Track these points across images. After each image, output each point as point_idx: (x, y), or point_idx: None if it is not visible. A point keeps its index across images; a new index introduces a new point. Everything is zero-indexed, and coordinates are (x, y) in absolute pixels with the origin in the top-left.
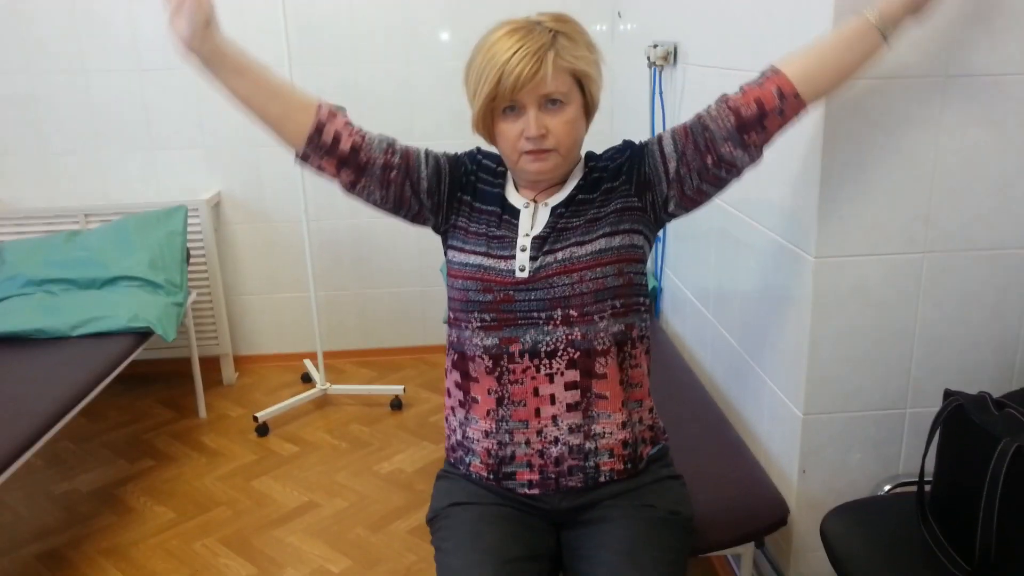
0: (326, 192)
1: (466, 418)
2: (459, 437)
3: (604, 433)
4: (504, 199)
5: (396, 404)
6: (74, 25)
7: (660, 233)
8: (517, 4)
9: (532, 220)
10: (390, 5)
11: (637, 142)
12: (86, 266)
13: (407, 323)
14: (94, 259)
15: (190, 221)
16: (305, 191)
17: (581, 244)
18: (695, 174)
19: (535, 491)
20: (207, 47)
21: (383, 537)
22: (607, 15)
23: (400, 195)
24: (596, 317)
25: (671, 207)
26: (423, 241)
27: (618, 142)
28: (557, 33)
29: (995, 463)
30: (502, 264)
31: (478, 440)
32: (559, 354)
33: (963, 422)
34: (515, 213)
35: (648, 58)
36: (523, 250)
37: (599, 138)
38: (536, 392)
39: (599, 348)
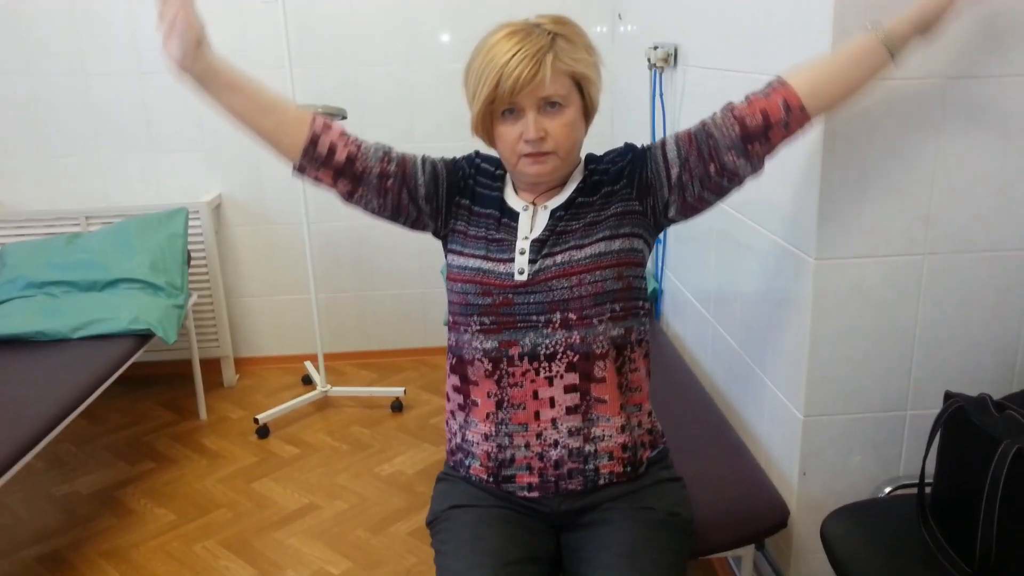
0: (326, 194)
1: (466, 421)
2: (459, 440)
3: (603, 436)
4: (503, 202)
5: (397, 406)
6: (74, 27)
7: (660, 235)
8: (517, 6)
9: (531, 223)
10: (390, 6)
11: (639, 145)
12: (87, 268)
13: (408, 325)
14: (95, 261)
15: (191, 223)
16: (306, 193)
17: (580, 247)
18: (697, 181)
19: (535, 494)
20: (200, 66)
21: (383, 539)
22: (607, 17)
23: (398, 203)
24: (595, 320)
25: (671, 212)
26: (423, 243)
27: (618, 144)
28: (556, 35)
29: (995, 465)
30: (501, 267)
31: (478, 443)
32: (558, 357)
33: (964, 424)
34: (514, 216)
35: (648, 60)
36: (522, 253)
37: (599, 140)
38: (535, 395)
39: (598, 352)
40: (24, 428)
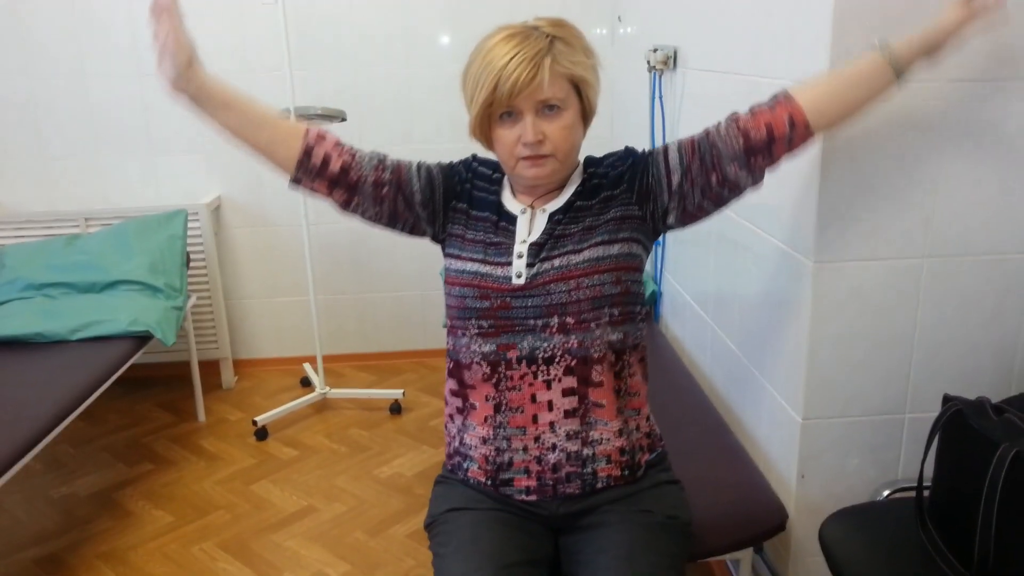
0: None
1: (464, 424)
2: (457, 444)
3: (601, 440)
4: (500, 205)
5: (395, 408)
6: (74, 29)
7: (660, 237)
8: (516, 8)
9: (530, 226)
10: (390, 9)
11: (640, 150)
12: (86, 270)
13: (407, 327)
14: (94, 263)
15: (190, 225)
16: (305, 195)
17: (578, 251)
18: (698, 190)
19: (533, 497)
20: (193, 86)
21: (382, 541)
22: (607, 19)
23: (393, 210)
24: (593, 324)
25: (670, 220)
26: (423, 245)
27: (618, 146)
28: (554, 38)
29: (994, 469)
30: (499, 271)
31: (476, 446)
32: (557, 361)
33: (962, 427)
34: (512, 219)
35: (648, 62)
36: (520, 257)
37: (598, 142)
38: (534, 399)
39: (595, 356)
40: (23, 430)
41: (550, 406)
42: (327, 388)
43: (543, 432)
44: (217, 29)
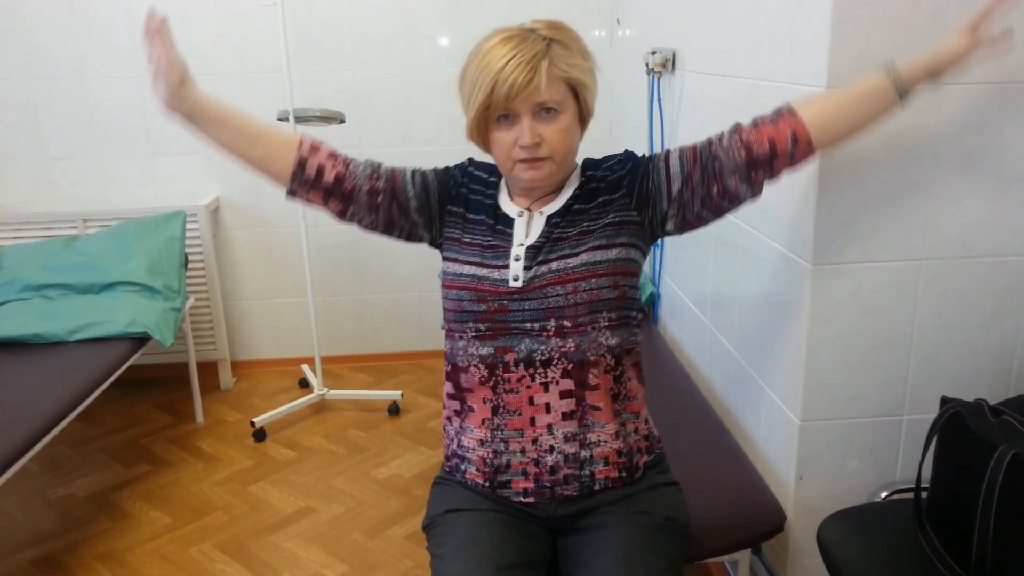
0: None
1: (462, 427)
2: (455, 446)
3: (599, 442)
4: (497, 208)
5: (394, 409)
6: (74, 30)
7: (657, 242)
8: (515, 10)
9: (527, 229)
10: (389, 11)
11: (640, 155)
12: (84, 271)
13: (405, 328)
14: (92, 264)
15: (189, 226)
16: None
17: (575, 255)
18: (698, 200)
19: (530, 499)
20: (187, 104)
21: (380, 543)
22: (606, 21)
23: (389, 217)
24: (590, 328)
25: (668, 226)
26: (421, 247)
27: (617, 149)
28: (551, 41)
29: (991, 470)
30: (495, 274)
31: (473, 449)
32: (554, 363)
33: (960, 429)
34: (509, 222)
35: (646, 65)
36: (517, 259)
37: (597, 144)
38: (531, 401)
39: (592, 359)
40: (20, 431)
41: (548, 408)
42: (325, 389)
43: (541, 434)
44: (217, 30)
